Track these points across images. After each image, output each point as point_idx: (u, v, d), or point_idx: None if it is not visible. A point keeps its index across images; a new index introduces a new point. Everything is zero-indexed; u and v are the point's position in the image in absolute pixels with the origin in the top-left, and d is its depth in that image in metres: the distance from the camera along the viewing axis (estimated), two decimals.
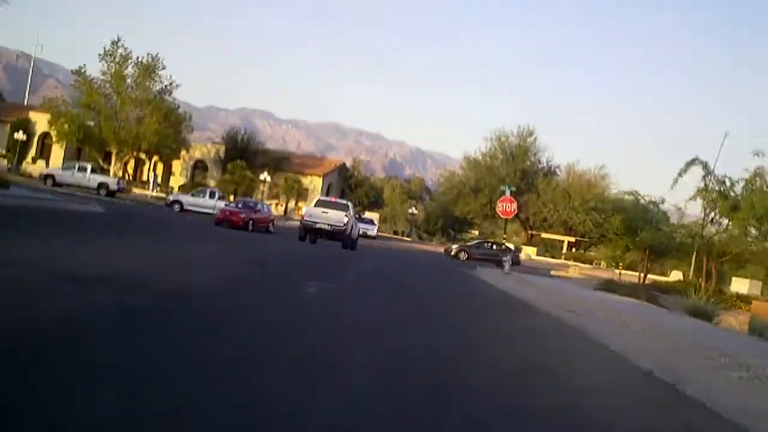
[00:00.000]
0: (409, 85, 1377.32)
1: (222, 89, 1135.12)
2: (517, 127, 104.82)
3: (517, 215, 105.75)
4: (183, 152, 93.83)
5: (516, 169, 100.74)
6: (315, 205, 44.52)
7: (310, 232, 42.98)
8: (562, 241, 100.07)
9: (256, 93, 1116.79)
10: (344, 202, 46.93)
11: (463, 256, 62.28)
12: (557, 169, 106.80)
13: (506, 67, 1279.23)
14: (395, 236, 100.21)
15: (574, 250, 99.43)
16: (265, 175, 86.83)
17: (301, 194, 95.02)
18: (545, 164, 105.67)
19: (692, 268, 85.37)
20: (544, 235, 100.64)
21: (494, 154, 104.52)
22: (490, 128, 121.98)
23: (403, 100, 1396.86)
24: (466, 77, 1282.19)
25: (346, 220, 42.36)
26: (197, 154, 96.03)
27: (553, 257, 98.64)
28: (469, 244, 70.08)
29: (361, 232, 73.85)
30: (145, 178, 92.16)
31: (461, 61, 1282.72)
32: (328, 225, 42.24)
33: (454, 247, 66.60)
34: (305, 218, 42.98)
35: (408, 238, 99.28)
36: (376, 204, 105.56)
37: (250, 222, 46.36)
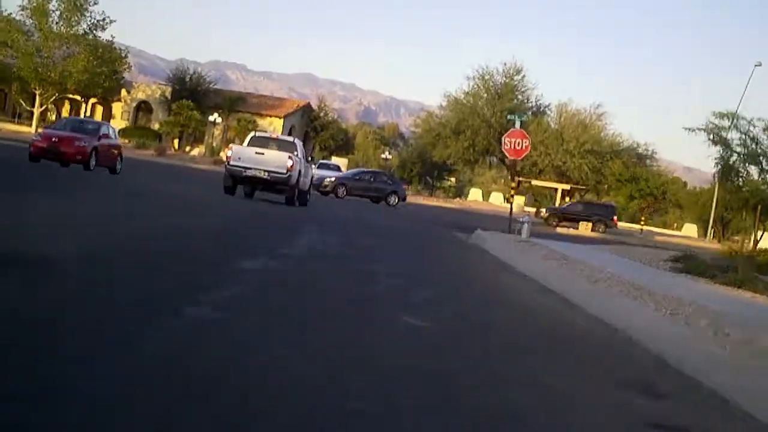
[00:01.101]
0: (383, 32, 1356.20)
1: (194, 42, 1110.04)
2: (503, 64, 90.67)
3: (503, 159, 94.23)
4: (123, 93, 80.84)
5: (502, 108, 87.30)
6: (248, 144, 31.34)
7: (240, 181, 29.87)
8: (555, 189, 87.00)
9: (228, 45, 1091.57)
10: (290, 139, 33.66)
11: (341, 191, 50.48)
12: (547, 109, 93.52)
13: (488, 8, 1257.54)
14: None
15: (568, 198, 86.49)
16: (215, 117, 73.44)
17: None
18: (534, 103, 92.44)
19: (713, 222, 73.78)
20: (534, 182, 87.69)
21: (477, 92, 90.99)
22: (473, 66, 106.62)
23: (377, 48, 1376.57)
24: (442, 19, 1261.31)
25: (290, 164, 29.17)
26: (140, 96, 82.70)
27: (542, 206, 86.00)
28: (345, 174, 56.47)
29: (324, 181, 61.62)
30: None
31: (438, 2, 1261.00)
32: (265, 172, 29.12)
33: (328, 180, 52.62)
34: (231, 162, 29.65)
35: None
36: (344, 148, 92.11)
37: (93, 154, 30.50)
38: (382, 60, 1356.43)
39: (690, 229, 74.52)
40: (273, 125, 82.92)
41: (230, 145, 32.86)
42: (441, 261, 17.75)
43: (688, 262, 21.66)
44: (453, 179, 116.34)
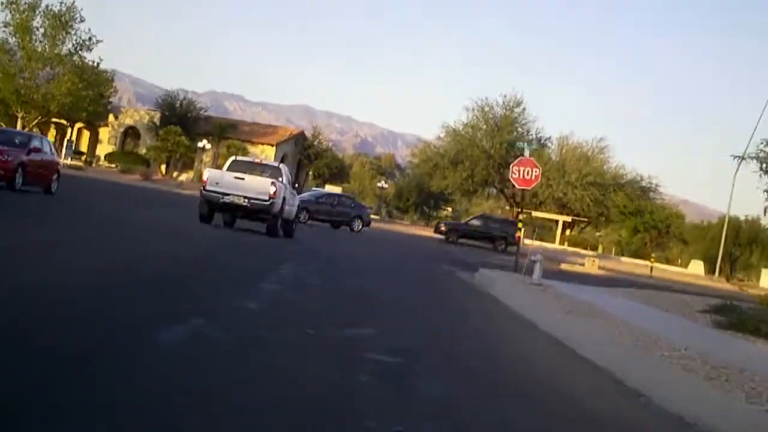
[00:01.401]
0: (380, 67, 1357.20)
1: (192, 72, 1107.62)
2: (503, 96, 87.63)
3: (502, 190, 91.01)
4: (111, 118, 77.62)
5: (502, 140, 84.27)
6: (228, 168, 27.99)
7: (217, 208, 26.47)
8: (556, 221, 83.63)
9: (226, 76, 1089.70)
10: (274, 164, 30.24)
11: (302, 216, 42.50)
12: (548, 142, 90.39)
13: (486, 46, 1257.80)
14: None
15: (569, 231, 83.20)
16: (204, 143, 70.17)
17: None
18: (534, 135, 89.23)
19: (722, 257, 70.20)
20: (534, 213, 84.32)
21: (476, 124, 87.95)
22: (472, 98, 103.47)
23: (375, 81, 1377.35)
24: (440, 53, 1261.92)
25: (272, 190, 25.80)
26: (128, 121, 79.42)
27: (541, 240, 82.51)
28: (306, 197, 48.60)
29: None
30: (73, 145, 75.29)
31: (436, 38, 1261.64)
32: (245, 198, 25.74)
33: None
34: (207, 187, 26.19)
35: (375, 216, 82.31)
36: (339, 177, 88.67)
37: (18, 171, 25.49)
38: (380, 93, 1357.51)
39: (697, 267, 71.05)
40: (265, 153, 79.77)
41: (206, 168, 29.27)
42: (447, 318, 14.14)
43: (730, 315, 18.14)
44: (449, 209, 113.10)
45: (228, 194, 25.79)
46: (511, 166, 28.43)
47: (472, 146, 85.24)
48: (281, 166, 29.26)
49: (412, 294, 16.44)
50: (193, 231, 23.63)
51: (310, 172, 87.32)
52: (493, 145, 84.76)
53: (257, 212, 26.43)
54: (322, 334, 8.90)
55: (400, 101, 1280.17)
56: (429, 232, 67.55)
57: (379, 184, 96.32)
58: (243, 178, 26.24)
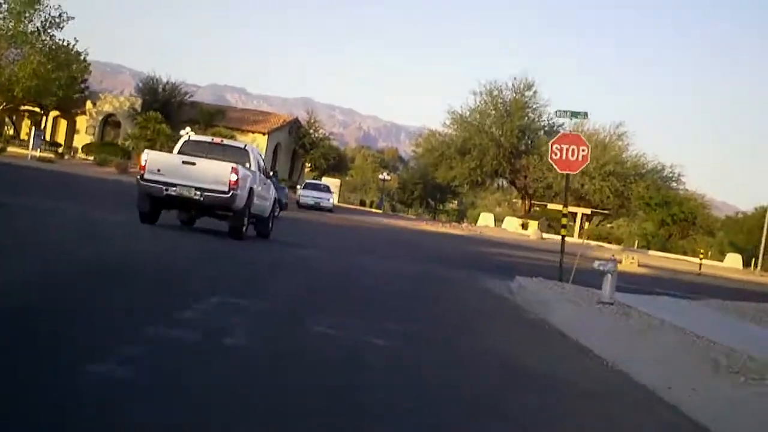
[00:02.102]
0: (384, 56, 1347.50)
1: (194, 65, 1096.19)
2: (513, 79, 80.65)
3: (513, 181, 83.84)
4: (89, 105, 70.54)
5: (513, 126, 77.26)
6: (180, 150, 21.09)
7: (161, 203, 19.53)
8: (573, 214, 76.51)
9: (228, 69, 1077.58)
10: (239, 144, 23.01)
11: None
12: (561, 128, 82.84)
13: (492, 28, 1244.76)
14: (362, 208, 76.00)
15: (587, 224, 76.13)
16: (187, 131, 62.93)
17: None
18: (547, 122, 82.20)
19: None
20: (550, 206, 77.21)
21: (484, 110, 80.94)
22: (480, 81, 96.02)
23: (378, 73, 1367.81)
24: (444, 42, 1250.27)
25: (233, 178, 18.91)
26: (107, 108, 72.17)
27: (556, 233, 75.43)
28: None
29: (313, 202, 51.41)
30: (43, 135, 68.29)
31: (440, 22, 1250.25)
32: (196, 190, 18.81)
33: None
34: (146, 175, 19.17)
35: (378, 210, 75.17)
36: (337, 168, 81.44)
37: None
38: (382, 85, 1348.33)
39: (733, 260, 63.93)
40: (256, 142, 72.61)
41: (145, 150, 22.21)
42: (496, 375, 7.35)
43: None
44: (455, 202, 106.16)
45: (173, 185, 18.85)
46: (550, 145, 21.26)
47: (480, 134, 78.52)
48: (250, 147, 22.20)
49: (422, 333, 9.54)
50: (120, 234, 16.85)
51: (307, 164, 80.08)
52: (503, 132, 78.09)
53: (213, 208, 19.51)
54: None
55: (404, 93, 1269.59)
56: (436, 227, 60.47)
57: (381, 177, 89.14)
58: (194, 163, 19.29)
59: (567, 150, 20.80)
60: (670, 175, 77.39)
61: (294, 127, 77.34)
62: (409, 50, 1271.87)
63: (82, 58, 67.34)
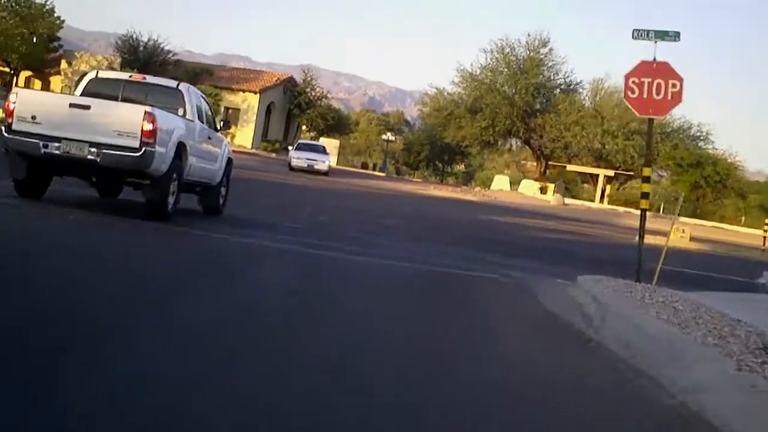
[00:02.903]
0: (389, 21, 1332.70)
1: (199, 35, 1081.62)
2: (527, 35, 73.74)
3: (528, 141, 76.74)
4: (63, 65, 63.53)
5: (527, 84, 70.13)
6: (83, 92, 14.33)
7: (40, 165, 12.80)
8: (595, 176, 69.41)
9: (233, 38, 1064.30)
10: (169, 83, 15.89)
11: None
12: (579, 87, 76.03)
13: None
14: (363, 171, 68.66)
15: (608, 188, 69.14)
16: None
17: (231, 116, 64.63)
18: (563, 79, 75.10)
19: None
20: (570, 167, 70.19)
21: (496, 67, 73.74)
22: (491, 39, 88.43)
23: (383, 39, 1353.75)
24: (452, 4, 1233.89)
25: (147, 127, 12.16)
26: (84, 67, 64.74)
27: (573, 197, 68.45)
28: None
29: (305, 165, 44.71)
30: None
31: None
32: (91, 146, 12.09)
33: None
34: (14, 124, 12.35)
35: (380, 173, 67.90)
36: (337, 129, 74.14)
37: None
38: (388, 51, 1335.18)
39: None
40: (247, 102, 65.63)
41: (14, 89, 15.40)
42: None
43: None
44: (462, 165, 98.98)
45: (56, 139, 12.12)
46: (625, 78, 14.10)
47: (492, 92, 71.56)
48: (185, 87, 15.14)
49: None
50: None
51: (303, 125, 72.81)
52: (516, 90, 71.24)
53: (119, 173, 12.71)
54: None
55: (411, 59, 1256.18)
56: (445, 192, 53.38)
57: (384, 137, 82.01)
58: (88, 107, 12.47)
59: (649, 86, 13.94)
60: (698, 134, 70.42)
61: (289, 85, 70.10)
62: (417, 14, 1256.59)
63: (55, 16, 60.48)
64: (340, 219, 21.49)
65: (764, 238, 38.90)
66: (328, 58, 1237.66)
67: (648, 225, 14.57)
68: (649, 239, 31.08)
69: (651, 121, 14.48)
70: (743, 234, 51.83)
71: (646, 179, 14.83)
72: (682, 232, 33.24)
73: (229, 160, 16.95)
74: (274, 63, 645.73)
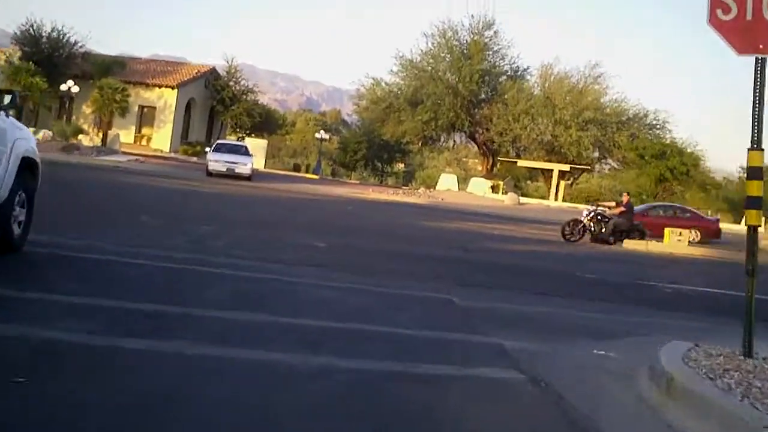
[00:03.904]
0: (326, 21, 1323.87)
1: (133, 37, 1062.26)
2: (470, 17, 67.66)
3: (473, 136, 70.32)
4: None
5: (471, 71, 63.74)
6: None
7: None
8: (549, 171, 63.05)
9: (168, 38, 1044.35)
10: None
11: None
12: (527, 73, 69.94)
13: None
14: (295, 174, 61.49)
15: (562, 183, 62.94)
16: (69, 85, 48.67)
17: (146, 115, 57.41)
18: (510, 65, 68.97)
19: None
20: (521, 162, 63.92)
21: (438, 53, 67.22)
22: (433, 22, 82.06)
23: (320, 39, 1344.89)
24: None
25: None
26: None
27: (523, 195, 62.01)
28: None
29: (224, 168, 38.20)
30: None
31: None
32: None
33: None
34: None
35: (314, 176, 60.87)
36: (266, 128, 67.01)
37: None
38: (326, 50, 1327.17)
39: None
40: (164, 98, 58.33)
41: None
42: None
43: None
44: (401, 164, 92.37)
45: None
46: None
47: (434, 81, 64.96)
48: None
49: None
50: None
51: (228, 122, 65.34)
52: (460, 78, 64.61)
53: None
54: None
55: (348, 58, 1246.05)
56: (386, 195, 46.64)
57: (318, 136, 75.04)
58: None
59: (747, 3, 7.56)
60: (655, 122, 64.58)
61: (211, 78, 62.80)
62: (354, 16, 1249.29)
63: None
64: (237, 242, 14.51)
65: None
66: (265, 59, 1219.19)
67: None
68: (630, 244, 24.23)
69: (761, 65, 7.73)
70: (731, 232, 46.05)
71: (755, 172, 7.99)
72: (678, 235, 26.84)
73: (30, 164, 9.92)
74: (211, 63, 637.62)
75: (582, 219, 26.36)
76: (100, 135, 50.13)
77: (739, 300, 7.95)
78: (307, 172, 66.28)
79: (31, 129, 49.96)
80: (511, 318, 9.66)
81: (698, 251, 26.80)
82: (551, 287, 13.40)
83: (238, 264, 11.18)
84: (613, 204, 28.11)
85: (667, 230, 27.46)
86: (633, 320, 10.67)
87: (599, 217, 26.18)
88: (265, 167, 55.54)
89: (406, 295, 10.44)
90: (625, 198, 27.66)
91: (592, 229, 26.10)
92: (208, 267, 10.60)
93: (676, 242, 26.50)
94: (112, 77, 52.97)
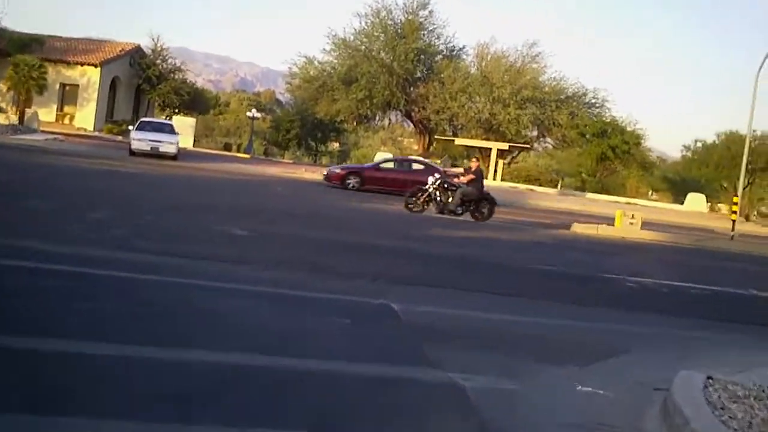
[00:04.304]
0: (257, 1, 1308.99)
1: (60, 16, 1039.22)
2: None
3: (409, 114, 68.58)
4: None
5: (406, 50, 61.87)
6: None
7: None
8: (487, 150, 61.34)
9: (94, 20, 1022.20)
10: None
11: None
12: (463, 52, 68.29)
13: None
14: (226, 153, 58.99)
15: (500, 162, 61.40)
16: None
17: (69, 93, 54.45)
18: (445, 45, 67.18)
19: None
20: (458, 141, 62.18)
21: (371, 32, 65.16)
22: (366, 1, 79.83)
23: (253, 19, 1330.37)
24: None
25: None
26: None
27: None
28: None
29: (148, 147, 35.98)
30: None
31: None
32: None
33: None
34: None
35: (245, 155, 58.38)
36: (195, 107, 64.39)
37: None
38: (258, 31, 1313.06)
39: (695, 202, 50.13)
40: (87, 76, 55.43)
41: None
42: None
43: None
44: (336, 143, 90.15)
45: None
46: None
47: (368, 60, 63.12)
48: None
49: None
50: None
51: (155, 101, 62.53)
52: (395, 56, 62.75)
53: None
54: None
55: (281, 38, 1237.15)
56: (319, 174, 44.62)
57: (249, 114, 72.43)
58: None
59: None
60: (594, 101, 63.44)
61: (136, 57, 59.93)
62: None
63: None
64: (142, 230, 12.39)
65: (733, 222, 31.01)
66: (199, 41, 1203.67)
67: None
68: (579, 228, 22.46)
69: None
70: (675, 212, 44.80)
71: None
72: (631, 218, 25.19)
73: None
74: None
75: (427, 188, 24.26)
76: (18, 113, 47.13)
77: (718, 296, 6.21)
78: (238, 151, 63.86)
79: None
80: (465, 332, 7.74)
81: (650, 236, 25.16)
82: (506, 284, 11.57)
83: (133, 261, 9.21)
84: (461, 170, 26.17)
85: (618, 212, 25.86)
86: (606, 327, 8.92)
87: (446, 185, 24.08)
88: (194, 146, 53.04)
89: (334, 301, 8.48)
90: (473, 164, 25.46)
91: (438, 198, 24.02)
92: (91, 267, 8.55)
93: (629, 226, 24.89)
94: (30, 54, 49.88)
